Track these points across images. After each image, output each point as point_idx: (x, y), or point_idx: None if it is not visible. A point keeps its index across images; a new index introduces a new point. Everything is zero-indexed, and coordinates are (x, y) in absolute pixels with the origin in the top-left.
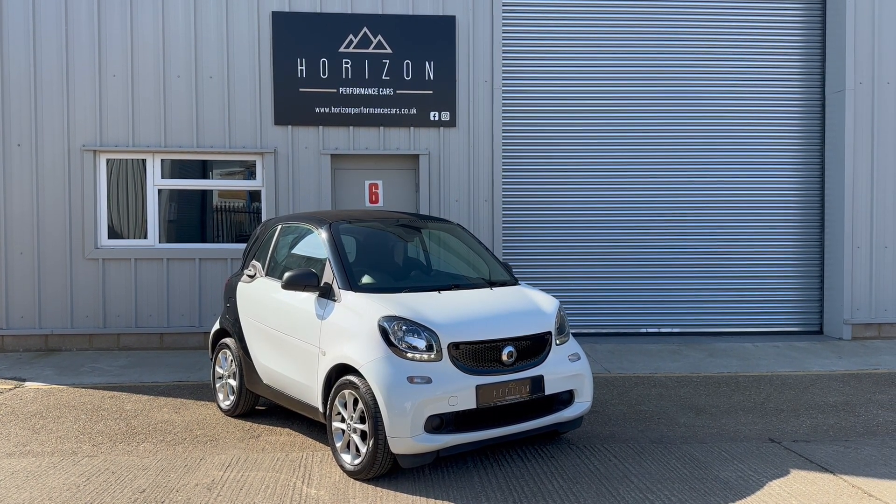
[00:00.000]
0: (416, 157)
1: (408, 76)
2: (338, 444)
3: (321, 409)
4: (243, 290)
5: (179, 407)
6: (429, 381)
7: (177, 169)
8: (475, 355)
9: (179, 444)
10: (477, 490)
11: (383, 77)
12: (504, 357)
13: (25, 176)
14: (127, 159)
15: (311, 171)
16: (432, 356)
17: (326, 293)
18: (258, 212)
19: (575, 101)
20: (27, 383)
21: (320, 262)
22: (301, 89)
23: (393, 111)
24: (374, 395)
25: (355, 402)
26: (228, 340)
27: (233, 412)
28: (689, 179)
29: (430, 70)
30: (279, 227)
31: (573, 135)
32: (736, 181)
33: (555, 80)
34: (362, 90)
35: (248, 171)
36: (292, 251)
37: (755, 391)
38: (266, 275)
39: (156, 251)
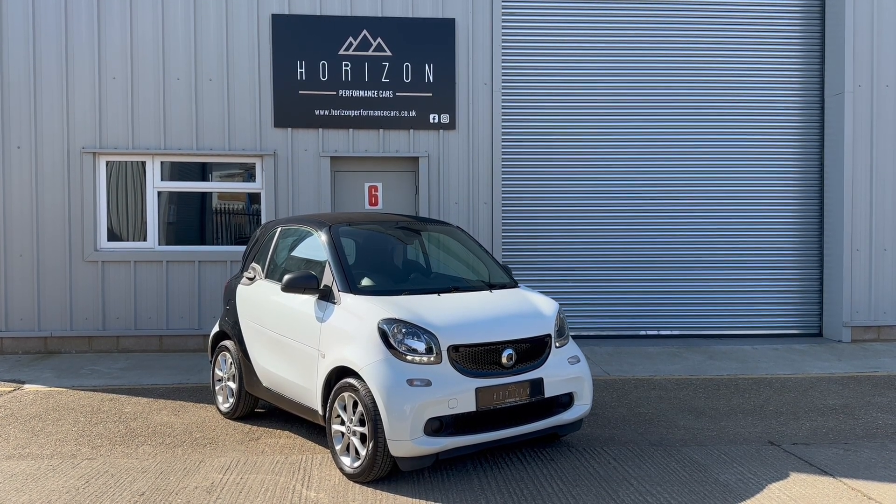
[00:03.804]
0: (416, 159)
1: (407, 79)
2: (337, 447)
3: (321, 412)
4: (243, 292)
5: (179, 409)
6: (428, 383)
7: (176, 171)
8: (475, 358)
9: (179, 447)
10: (476, 493)
11: (383, 79)
12: (504, 360)
13: (25, 178)
14: (126, 161)
15: (310, 174)
16: (432, 359)
17: (326, 296)
18: (258, 214)
19: (575, 103)
20: (26, 386)
21: (320, 265)
22: (301, 92)
23: (392, 114)
24: (373, 398)
25: (355, 405)
26: (228, 343)
27: (232, 415)
28: (689, 182)
29: (429, 72)
30: (279, 229)
31: (573, 138)
32: (735, 183)
33: (555, 82)
34: (362, 93)
35: (248, 173)
36: (292, 254)
37: (755, 394)
38: (266, 277)
39: (155, 253)
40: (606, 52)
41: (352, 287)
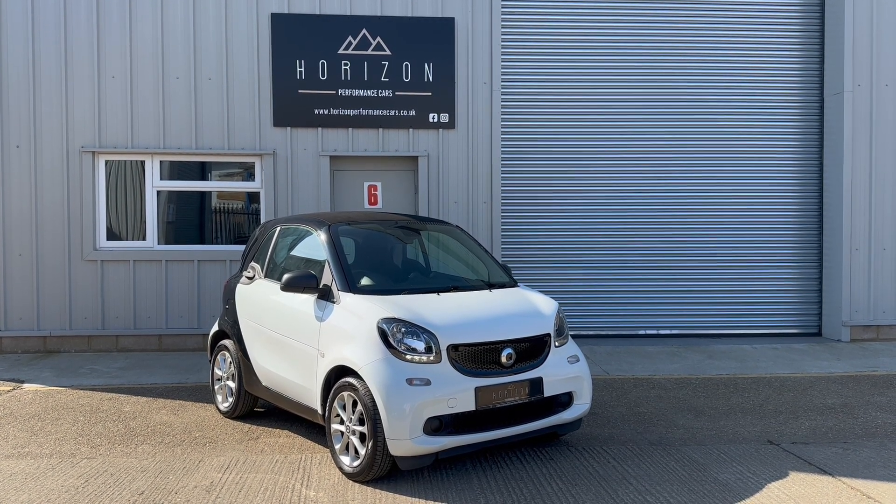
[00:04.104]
0: (416, 158)
1: (407, 78)
2: (336, 446)
3: (320, 411)
4: (242, 291)
5: (178, 409)
6: (428, 383)
7: (176, 170)
8: (474, 357)
9: (178, 446)
10: (476, 492)
11: (382, 79)
12: (503, 359)
13: (24, 177)
14: (126, 161)
15: (310, 173)
16: (431, 358)
17: (325, 295)
18: (257, 213)
19: (575, 103)
20: (25, 385)
21: (319, 264)
22: (300, 91)
23: (392, 113)
24: (373, 397)
25: (354, 404)
26: (227, 342)
27: (231, 414)
28: (687, 181)
29: (429, 72)
30: (278, 228)
31: (572, 137)
32: (734, 183)
33: (555, 81)
34: (361, 92)
35: (247, 172)
36: (291, 253)
37: (754, 393)
38: (265, 276)
39: (155, 253)
40: (607, 50)
41: (351, 286)
